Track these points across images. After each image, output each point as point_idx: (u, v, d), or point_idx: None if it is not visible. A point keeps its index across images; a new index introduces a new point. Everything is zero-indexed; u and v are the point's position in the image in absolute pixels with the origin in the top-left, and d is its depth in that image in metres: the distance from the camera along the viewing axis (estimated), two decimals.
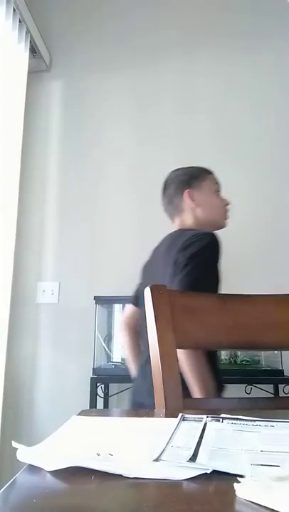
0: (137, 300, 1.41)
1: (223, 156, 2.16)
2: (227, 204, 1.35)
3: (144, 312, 1.19)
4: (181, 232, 1.25)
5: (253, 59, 2.28)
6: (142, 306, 1.25)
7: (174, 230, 1.32)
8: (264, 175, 2.15)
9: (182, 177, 1.37)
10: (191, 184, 1.34)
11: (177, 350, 0.82)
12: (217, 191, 1.35)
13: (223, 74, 2.29)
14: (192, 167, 1.39)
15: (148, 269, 1.38)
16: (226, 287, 1.12)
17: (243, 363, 1.84)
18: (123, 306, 1.99)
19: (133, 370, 1.36)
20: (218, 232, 1.18)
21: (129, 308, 1.47)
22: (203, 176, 1.36)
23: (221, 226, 1.33)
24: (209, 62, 2.30)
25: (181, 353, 0.99)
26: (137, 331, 1.40)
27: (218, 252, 1.13)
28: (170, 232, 1.32)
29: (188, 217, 1.31)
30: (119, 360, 1.91)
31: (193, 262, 1.09)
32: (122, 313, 1.48)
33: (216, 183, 1.36)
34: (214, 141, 2.21)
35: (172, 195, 1.36)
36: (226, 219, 1.34)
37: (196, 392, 1.00)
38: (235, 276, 1.94)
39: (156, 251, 1.34)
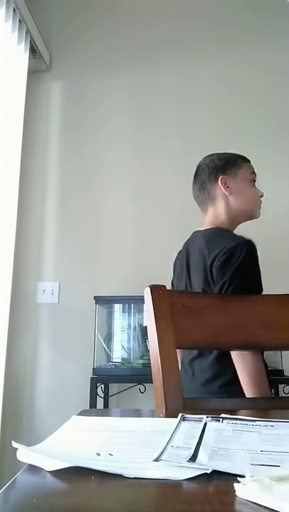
0: None
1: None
2: (261, 195, 1.30)
3: None
4: (214, 234, 1.21)
5: (254, 56, 2.28)
6: None
7: (205, 224, 1.27)
8: (265, 175, 2.14)
9: (217, 162, 1.30)
10: (225, 170, 1.28)
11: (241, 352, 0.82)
12: (253, 181, 1.30)
13: (223, 72, 2.29)
14: (228, 153, 1.33)
15: (180, 267, 1.32)
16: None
17: None
18: (123, 306, 2.00)
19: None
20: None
21: None
22: (239, 163, 1.30)
23: (254, 216, 1.29)
24: (209, 61, 2.30)
25: (246, 355, 1.01)
26: None
27: (255, 261, 1.10)
28: (200, 228, 1.28)
29: (220, 206, 1.26)
30: (119, 360, 1.91)
31: (234, 282, 1.06)
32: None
33: (253, 172, 1.31)
34: (215, 139, 2.21)
35: (205, 181, 1.29)
36: (259, 209, 1.29)
37: (256, 393, 0.99)
38: None
39: (189, 249, 1.29)
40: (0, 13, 1.89)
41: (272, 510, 0.31)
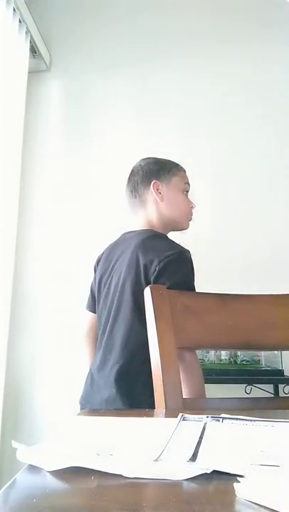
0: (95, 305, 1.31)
1: (224, 153, 2.16)
2: (192, 207, 1.27)
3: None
4: (151, 236, 1.18)
5: (254, 53, 2.27)
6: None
7: (138, 226, 1.24)
8: (265, 173, 2.15)
9: (153, 166, 1.27)
10: (159, 176, 1.24)
11: (182, 349, 0.81)
12: (186, 191, 1.27)
13: (224, 72, 2.29)
14: (165, 159, 1.30)
15: (106, 269, 1.27)
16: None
17: (243, 363, 1.84)
18: None
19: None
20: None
21: (89, 317, 1.35)
22: (174, 170, 1.27)
23: (182, 228, 1.27)
24: (210, 58, 2.30)
25: (187, 353, 0.99)
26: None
27: (193, 272, 1.09)
28: (132, 229, 1.25)
29: (151, 211, 1.23)
30: None
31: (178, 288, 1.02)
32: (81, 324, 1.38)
33: (187, 182, 1.28)
34: (214, 138, 2.21)
35: (138, 183, 1.26)
36: (189, 221, 1.27)
37: (191, 393, 0.98)
38: (237, 280, 1.95)
39: (119, 250, 1.25)
40: (0, 13, 1.89)
41: (272, 510, 0.31)
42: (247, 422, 0.54)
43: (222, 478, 0.37)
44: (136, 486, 0.37)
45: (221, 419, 0.55)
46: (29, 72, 2.20)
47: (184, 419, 0.56)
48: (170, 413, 0.63)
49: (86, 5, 2.46)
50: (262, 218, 2.09)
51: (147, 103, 2.31)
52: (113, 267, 1.23)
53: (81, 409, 1.18)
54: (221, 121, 2.23)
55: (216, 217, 2.10)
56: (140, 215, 1.25)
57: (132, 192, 1.27)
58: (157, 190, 1.23)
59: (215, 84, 2.28)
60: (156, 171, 1.26)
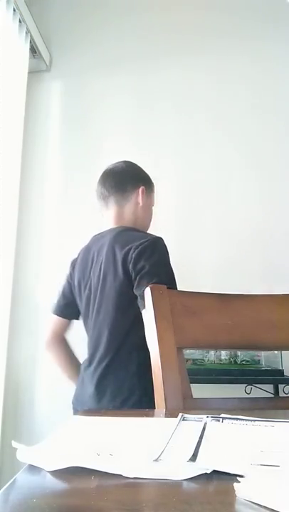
0: (67, 309, 1.34)
1: (223, 154, 2.16)
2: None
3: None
4: (122, 230, 1.24)
5: (254, 52, 2.27)
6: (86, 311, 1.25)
7: (109, 221, 1.31)
8: (265, 175, 2.14)
9: (142, 173, 1.37)
10: (146, 185, 1.35)
11: None
12: (152, 206, 1.39)
13: (224, 70, 2.28)
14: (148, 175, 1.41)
15: (84, 272, 1.30)
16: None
17: (243, 363, 1.84)
18: None
19: (75, 379, 1.30)
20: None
21: (54, 321, 1.36)
22: (152, 187, 1.39)
23: None
24: (209, 61, 2.30)
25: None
26: (67, 343, 1.35)
27: (168, 256, 1.16)
28: (101, 231, 1.31)
29: (128, 210, 1.30)
30: None
31: (158, 269, 1.10)
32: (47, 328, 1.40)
33: (153, 202, 1.40)
34: (214, 138, 2.21)
35: (125, 181, 1.32)
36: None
37: None
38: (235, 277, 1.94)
39: (92, 251, 1.29)
40: (0, 13, 1.89)
41: (272, 510, 0.31)
42: (247, 422, 0.54)
43: (222, 478, 0.37)
44: (136, 486, 0.37)
45: (221, 419, 0.55)
46: (29, 72, 2.20)
47: (184, 419, 0.56)
48: (170, 413, 0.63)
49: (86, 5, 2.46)
50: (260, 221, 2.09)
51: (147, 103, 2.31)
52: (91, 268, 1.27)
53: (73, 408, 1.21)
54: (221, 119, 2.23)
55: (215, 216, 2.10)
56: (114, 210, 1.31)
57: (113, 186, 1.32)
58: (142, 195, 1.32)
59: (215, 83, 2.28)
60: (144, 180, 1.36)
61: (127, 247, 1.14)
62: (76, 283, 1.31)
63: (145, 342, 0.95)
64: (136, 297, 1.10)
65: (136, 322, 1.07)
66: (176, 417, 0.56)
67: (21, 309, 2.11)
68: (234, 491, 0.34)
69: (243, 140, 2.20)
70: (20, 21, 2.08)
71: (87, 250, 1.34)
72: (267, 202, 2.11)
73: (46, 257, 2.20)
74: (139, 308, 1.08)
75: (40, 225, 2.25)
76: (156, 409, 0.78)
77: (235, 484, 0.35)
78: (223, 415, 0.56)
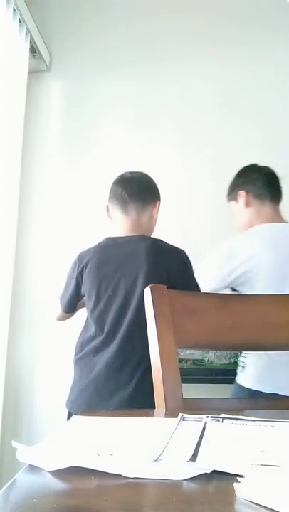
0: (74, 305, 1.46)
1: (223, 155, 2.16)
2: None
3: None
4: (156, 241, 1.34)
5: (254, 56, 2.26)
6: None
7: (124, 226, 1.38)
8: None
9: (158, 189, 1.45)
10: (159, 201, 1.44)
11: None
12: None
13: (223, 75, 2.28)
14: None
15: (107, 274, 1.31)
16: None
17: None
18: None
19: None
20: None
21: (66, 315, 1.53)
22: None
23: None
24: (210, 60, 2.30)
25: None
26: None
27: None
28: (118, 235, 1.38)
29: (145, 221, 1.39)
30: None
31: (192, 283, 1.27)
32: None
33: None
34: (214, 141, 2.21)
35: (147, 193, 1.41)
36: None
37: None
38: None
39: (117, 254, 1.33)
40: (0, 13, 1.89)
41: (272, 510, 0.31)
42: (247, 422, 0.54)
43: (222, 478, 0.37)
44: (136, 486, 0.37)
45: (221, 419, 0.55)
46: (29, 72, 2.19)
47: (184, 419, 0.56)
48: (170, 413, 0.63)
49: (86, 5, 2.46)
50: None
51: (147, 103, 2.31)
52: (116, 270, 1.29)
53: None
54: (220, 123, 2.23)
55: (215, 221, 2.10)
56: (131, 217, 1.38)
57: (138, 194, 1.39)
58: (156, 209, 1.42)
59: (214, 87, 2.28)
60: (159, 195, 1.44)
61: (169, 257, 1.28)
62: (97, 282, 1.31)
63: None
64: None
65: None
66: (176, 417, 0.56)
67: (21, 309, 2.11)
68: (234, 491, 0.34)
69: (243, 141, 2.20)
70: (20, 21, 2.08)
71: (106, 251, 1.36)
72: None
73: (46, 257, 2.20)
74: None
75: (40, 225, 2.24)
76: (156, 409, 0.78)
77: (235, 484, 0.35)
78: (223, 415, 0.56)
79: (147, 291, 0.87)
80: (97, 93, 2.35)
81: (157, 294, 0.86)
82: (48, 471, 0.39)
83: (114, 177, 2.24)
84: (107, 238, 1.40)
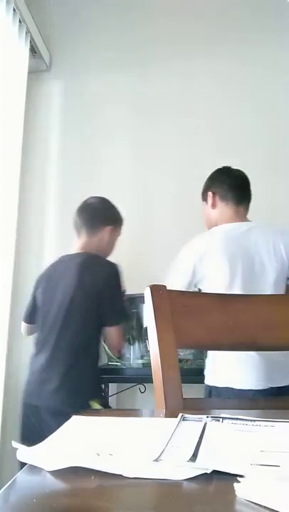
0: (32, 316, 1.59)
1: (224, 157, 2.16)
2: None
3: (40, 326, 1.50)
4: (89, 256, 1.51)
5: (254, 57, 2.27)
6: (38, 322, 1.53)
7: (76, 246, 1.58)
8: (271, 176, 2.14)
9: (115, 214, 1.64)
10: (115, 225, 1.62)
11: None
12: (117, 239, 1.66)
13: (223, 75, 2.28)
14: (118, 210, 1.66)
15: (49, 287, 1.52)
16: None
17: None
18: None
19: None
20: None
21: (28, 328, 1.66)
22: (120, 224, 1.66)
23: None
24: (209, 60, 2.30)
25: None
26: None
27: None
28: (69, 253, 1.57)
29: (95, 243, 1.57)
30: (119, 361, 1.90)
31: (113, 291, 1.45)
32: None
33: (120, 235, 1.68)
34: (213, 139, 2.21)
35: (98, 218, 1.60)
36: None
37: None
38: None
39: (59, 270, 1.53)
40: (0, 13, 1.89)
41: (272, 510, 0.31)
42: (247, 422, 0.54)
43: (222, 478, 0.37)
44: (136, 486, 0.37)
45: (221, 419, 0.55)
46: (29, 72, 2.20)
47: (184, 419, 0.55)
48: (170, 413, 0.63)
49: (86, 5, 2.46)
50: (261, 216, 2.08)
51: (147, 102, 2.31)
52: (56, 284, 1.49)
53: (26, 403, 1.44)
54: (219, 122, 2.23)
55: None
56: (83, 238, 1.58)
57: (88, 219, 1.60)
58: (108, 233, 1.59)
59: (213, 86, 2.28)
60: (115, 220, 1.63)
61: (95, 272, 1.44)
62: (41, 295, 1.53)
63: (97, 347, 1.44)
64: (100, 315, 1.42)
65: (95, 334, 1.45)
66: (176, 417, 0.56)
67: (21, 309, 2.10)
68: (234, 491, 0.34)
69: (243, 140, 2.20)
70: (20, 21, 2.08)
71: (53, 269, 1.57)
72: (273, 208, 2.11)
73: (46, 256, 2.20)
74: (99, 324, 1.43)
75: (40, 224, 2.24)
76: (156, 409, 0.78)
77: (235, 484, 0.35)
78: (223, 415, 0.56)
79: (147, 291, 0.87)
80: (96, 92, 2.35)
81: (157, 294, 0.86)
82: (48, 471, 0.39)
83: (115, 175, 2.25)
84: (60, 256, 1.62)
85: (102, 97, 2.34)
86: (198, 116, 2.25)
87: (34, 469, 0.40)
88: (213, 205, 1.56)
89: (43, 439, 0.45)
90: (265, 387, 1.25)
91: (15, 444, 0.43)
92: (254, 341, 0.92)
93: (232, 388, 1.27)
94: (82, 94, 2.37)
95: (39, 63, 2.33)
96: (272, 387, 1.26)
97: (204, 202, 1.61)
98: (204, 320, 0.89)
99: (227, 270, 1.34)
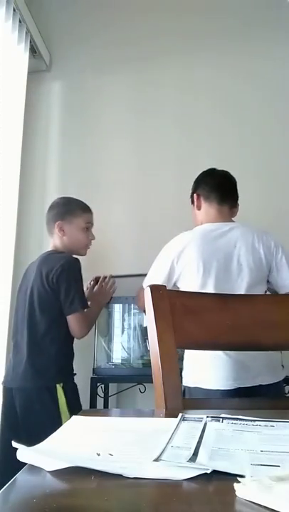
0: None
1: (224, 156, 2.16)
2: (91, 239, 1.72)
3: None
4: (50, 253, 1.65)
5: (254, 51, 2.26)
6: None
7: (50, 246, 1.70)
8: (270, 176, 2.14)
9: (60, 209, 1.69)
10: (64, 218, 1.66)
11: None
12: (86, 228, 1.69)
13: (223, 71, 2.28)
14: (73, 202, 1.71)
15: (22, 283, 1.69)
16: None
17: None
18: (123, 306, 2.00)
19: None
20: None
21: None
22: (77, 212, 1.68)
23: (80, 254, 1.69)
24: (210, 60, 2.29)
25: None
26: None
27: (79, 269, 1.58)
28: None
29: (57, 240, 1.66)
30: (120, 361, 1.91)
31: (67, 283, 1.53)
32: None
33: (88, 222, 1.70)
34: (214, 136, 2.21)
35: (50, 219, 1.69)
36: (85, 250, 1.72)
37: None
38: None
39: (31, 267, 1.67)
40: (0, 13, 1.89)
41: (272, 510, 0.31)
42: (247, 422, 0.54)
43: (222, 478, 0.37)
44: (136, 486, 0.37)
45: (221, 419, 0.55)
46: (29, 72, 2.19)
47: (184, 419, 0.56)
48: (170, 413, 0.63)
49: (86, 5, 2.46)
50: (257, 217, 2.09)
51: (147, 102, 2.30)
52: (27, 280, 1.64)
53: (4, 387, 1.56)
54: (220, 119, 2.23)
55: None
56: (51, 239, 1.72)
57: (47, 223, 1.72)
58: (60, 228, 1.65)
59: (214, 84, 2.28)
60: (62, 214, 1.67)
61: (50, 265, 1.54)
62: (17, 294, 1.71)
63: (60, 334, 1.55)
64: (58, 304, 1.53)
65: (55, 323, 1.55)
66: (176, 417, 0.56)
67: None
68: (234, 491, 0.34)
69: (243, 138, 2.20)
70: (20, 21, 2.08)
71: (28, 268, 1.70)
72: (269, 207, 2.11)
73: None
74: (58, 313, 1.53)
75: (40, 224, 2.24)
76: (156, 409, 0.78)
77: (235, 484, 0.35)
78: (223, 415, 0.56)
79: (147, 291, 0.87)
80: (96, 93, 2.35)
81: (157, 294, 0.86)
82: (48, 471, 0.39)
83: (114, 176, 2.25)
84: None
85: (102, 96, 2.34)
86: (199, 113, 2.25)
87: (34, 469, 0.40)
88: (198, 207, 1.58)
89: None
90: (233, 387, 1.24)
91: (15, 444, 0.43)
92: (254, 341, 0.92)
93: (200, 388, 1.27)
94: (82, 94, 2.37)
95: (39, 63, 2.33)
96: (240, 387, 1.25)
97: (192, 205, 1.64)
98: (204, 320, 0.89)
99: (201, 269, 1.35)
